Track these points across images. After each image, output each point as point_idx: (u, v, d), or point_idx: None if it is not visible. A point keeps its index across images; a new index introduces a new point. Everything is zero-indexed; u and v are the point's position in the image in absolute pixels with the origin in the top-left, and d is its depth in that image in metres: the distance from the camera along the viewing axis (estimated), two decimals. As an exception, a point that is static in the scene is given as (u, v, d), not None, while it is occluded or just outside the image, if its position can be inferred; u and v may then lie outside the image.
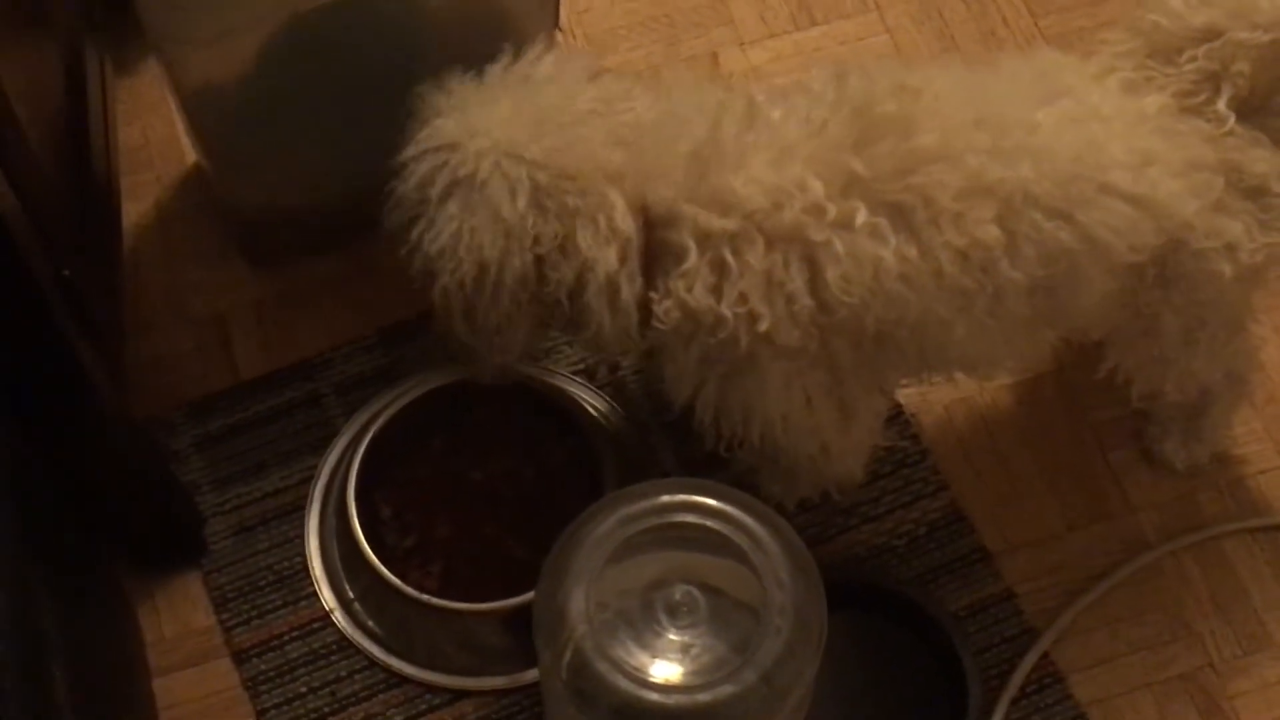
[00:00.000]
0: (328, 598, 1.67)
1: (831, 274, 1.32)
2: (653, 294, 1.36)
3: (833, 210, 1.31)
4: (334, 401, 1.76)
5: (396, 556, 1.65)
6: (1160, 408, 1.67)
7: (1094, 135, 1.35)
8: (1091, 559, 1.70)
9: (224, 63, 1.56)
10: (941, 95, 1.35)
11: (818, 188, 1.31)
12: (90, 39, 1.73)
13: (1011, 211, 1.32)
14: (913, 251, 1.32)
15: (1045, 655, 1.65)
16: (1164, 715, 1.63)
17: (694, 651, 1.31)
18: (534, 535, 1.61)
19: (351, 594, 1.67)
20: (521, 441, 1.70)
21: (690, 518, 1.34)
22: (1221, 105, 1.37)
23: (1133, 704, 1.63)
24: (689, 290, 1.34)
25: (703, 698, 1.28)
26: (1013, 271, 1.33)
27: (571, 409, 1.71)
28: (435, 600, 1.60)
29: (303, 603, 1.67)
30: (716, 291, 1.33)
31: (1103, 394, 1.71)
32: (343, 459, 1.71)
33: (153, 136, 1.90)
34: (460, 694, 1.63)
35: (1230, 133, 1.37)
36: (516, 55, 1.40)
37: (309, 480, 1.72)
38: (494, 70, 1.39)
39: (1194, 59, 1.38)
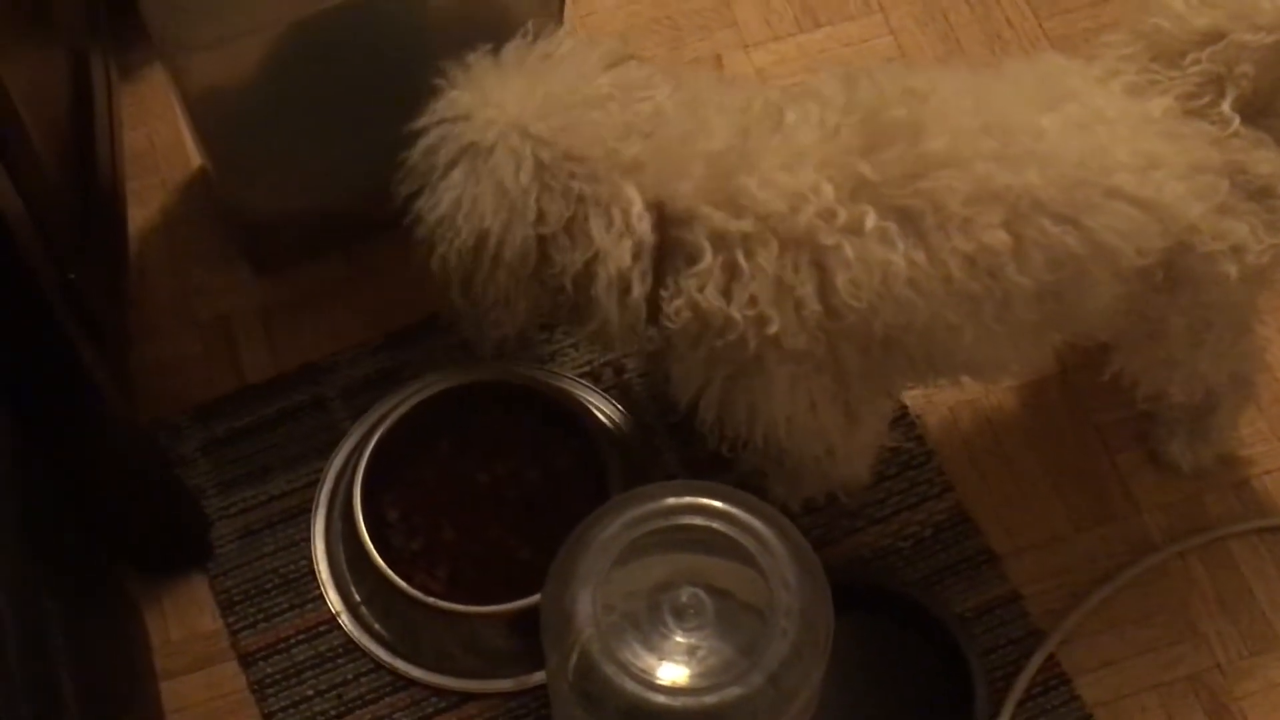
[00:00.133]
0: (334, 601, 1.67)
1: (841, 279, 1.32)
2: (663, 292, 1.36)
3: (843, 215, 1.31)
4: (340, 405, 1.76)
5: (403, 559, 1.65)
6: (1166, 409, 1.67)
7: (1099, 139, 1.35)
8: (1097, 560, 1.70)
9: (229, 67, 1.56)
10: (948, 100, 1.35)
11: (829, 192, 1.32)
12: (95, 44, 1.73)
13: (1019, 216, 1.32)
14: (921, 256, 1.32)
15: (1051, 657, 1.65)
16: (1171, 717, 1.63)
17: (701, 654, 1.31)
18: (540, 538, 1.61)
19: (358, 597, 1.67)
20: (528, 444, 1.71)
21: (697, 520, 1.34)
22: (1226, 107, 1.37)
23: (1140, 705, 1.63)
24: (701, 290, 1.33)
25: (709, 700, 1.28)
26: (1020, 276, 1.33)
27: (577, 412, 1.71)
28: (442, 603, 1.60)
29: (309, 606, 1.67)
30: (727, 293, 1.33)
31: (1108, 396, 1.71)
32: (349, 462, 1.71)
33: (158, 141, 1.90)
34: (467, 697, 1.63)
35: (1235, 135, 1.37)
36: (537, 35, 1.40)
37: (315, 484, 1.72)
38: (512, 47, 1.40)
39: (1197, 61, 1.37)
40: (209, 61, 1.54)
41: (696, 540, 1.34)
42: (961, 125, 1.33)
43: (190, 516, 1.68)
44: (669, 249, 1.36)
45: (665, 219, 1.35)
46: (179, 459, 1.73)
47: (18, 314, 1.30)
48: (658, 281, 1.36)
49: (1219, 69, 1.37)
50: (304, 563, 1.69)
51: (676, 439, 1.73)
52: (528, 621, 1.43)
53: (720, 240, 1.33)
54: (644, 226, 1.34)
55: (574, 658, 1.29)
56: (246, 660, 1.65)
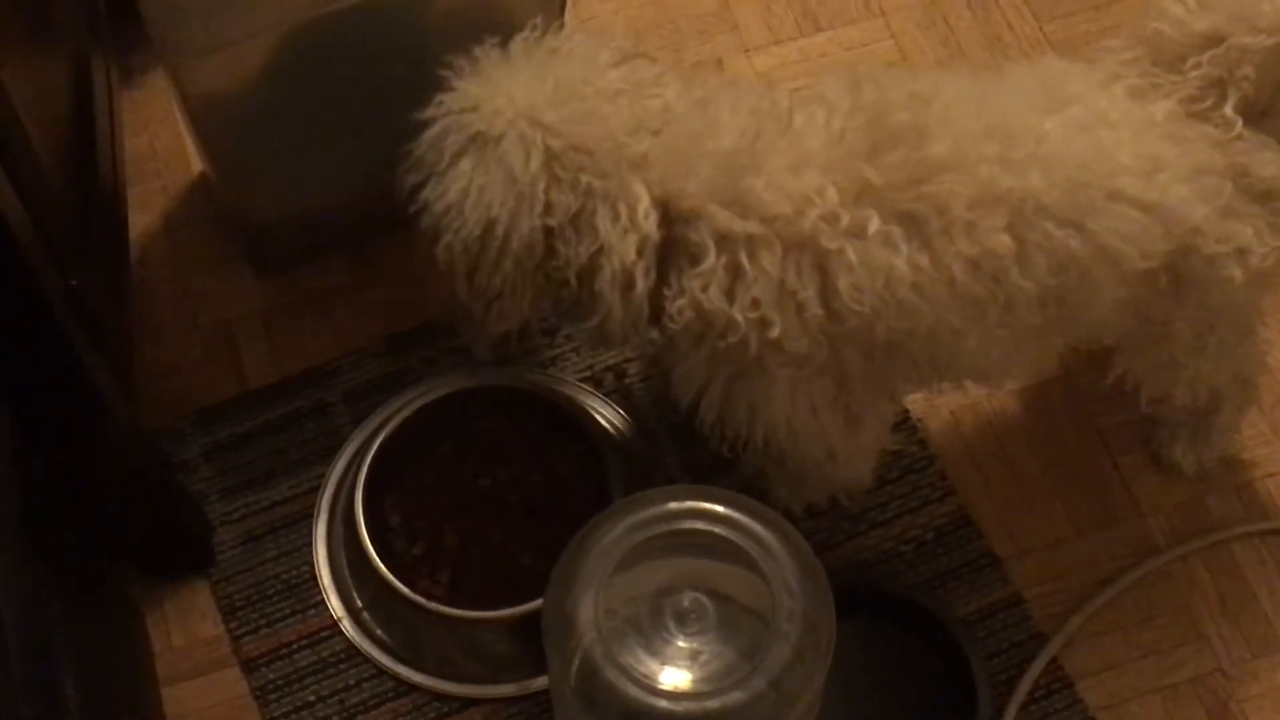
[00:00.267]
0: (336, 606, 1.67)
1: (844, 283, 1.31)
2: (666, 291, 1.36)
3: (846, 218, 1.31)
4: (342, 410, 1.76)
5: (405, 564, 1.65)
6: (1168, 412, 1.67)
7: (1102, 142, 1.35)
8: (1100, 563, 1.70)
9: (230, 72, 1.56)
10: (951, 104, 1.35)
11: (834, 195, 1.31)
12: (96, 48, 1.73)
13: (1022, 220, 1.32)
14: (925, 260, 1.32)
15: (1054, 660, 1.64)
16: (1173, 720, 1.63)
17: (703, 658, 1.31)
18: (542, 542, 1.61)
19: (360, 602, 1.67)
20: (530, 449, 1.70)
21: (699, 524, 1.34)
22: (1228, 110, 1.37)
23: (1142, 708, 1.63)
24: (704, 291, 1.33)
25: (712, 704, 1.28)
26: (1024, 280, 1.33)
27: (579, 417, 1.71)
28: (444, 608, 1.60)
29: (311, 611, 1.67)
30: (730, 294, 1.33)
31: (1110, 398, 1.71)
32: (350, 467, 1.71)
33: (159, 146, 1.90)
34: (469, 702, 1.63)
35: (1238, 137, 1.37)
36: (545, 29, 1.40)
37: (317, 489, 1.72)
38: (520, 39, 1.40)
39: (1198, 65, 1.37)
40: (210, 66, 1.54)
41: (698, 545, 1.34)
42: (965, 129, 1.33)
43: (191, 519, 1.68)
44: (673, 247, 1.35)
45: (671, 216, 1.35)
46: (182, 464, 1.73)
47: (18, 315, 1.30)
48: (661, 279, 1.36)
49: (1220, 72, 1.37)
50: (306, 568, 1.69)
51: (678, 443, 1.73)
52: (530, 626, 1.43)
53: (724, 240, 1.33)
54: (649, 223, 1.34)
55: (576, 662, 1.29)
56: (248, 666, 1.65)
